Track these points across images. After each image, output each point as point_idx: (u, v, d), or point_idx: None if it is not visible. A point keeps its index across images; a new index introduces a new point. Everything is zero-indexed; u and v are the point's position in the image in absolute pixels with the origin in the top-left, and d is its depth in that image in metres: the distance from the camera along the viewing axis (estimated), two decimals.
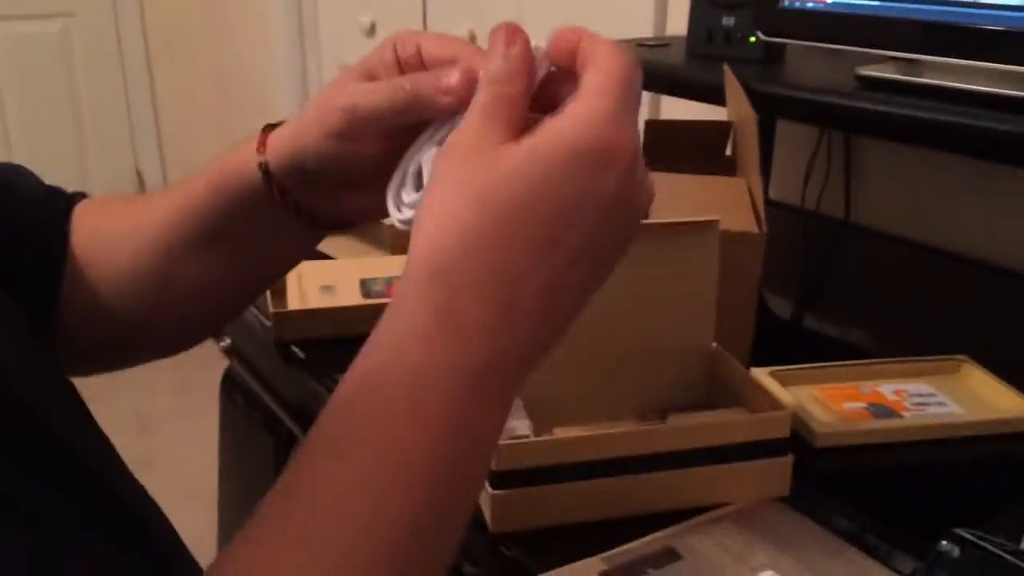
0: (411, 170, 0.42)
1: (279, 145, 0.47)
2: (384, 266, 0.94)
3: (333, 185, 0.47)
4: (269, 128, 0.49)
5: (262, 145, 0.48)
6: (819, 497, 0.61)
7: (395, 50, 0.45)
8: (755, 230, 0.73)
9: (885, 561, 0.54)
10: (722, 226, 0.69)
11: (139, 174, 3.04)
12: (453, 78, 0.41)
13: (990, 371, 0.73)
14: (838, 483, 0.63)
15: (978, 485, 0.64)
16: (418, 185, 0.42)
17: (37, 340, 0.47)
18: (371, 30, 2.25)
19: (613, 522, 0.57)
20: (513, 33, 0.38)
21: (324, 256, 1.04)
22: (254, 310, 0.94)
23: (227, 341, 0.93)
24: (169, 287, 0.52)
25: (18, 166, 0.57)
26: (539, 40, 0.40)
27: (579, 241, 0.34)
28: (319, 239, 0.53)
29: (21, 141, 2.80)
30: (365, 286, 0.90)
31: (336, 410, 0.35)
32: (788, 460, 0.59)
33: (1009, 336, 0.84)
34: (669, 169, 0.85)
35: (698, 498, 0.58)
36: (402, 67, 0.45)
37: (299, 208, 0.48)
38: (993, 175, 0.96)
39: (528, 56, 0.37)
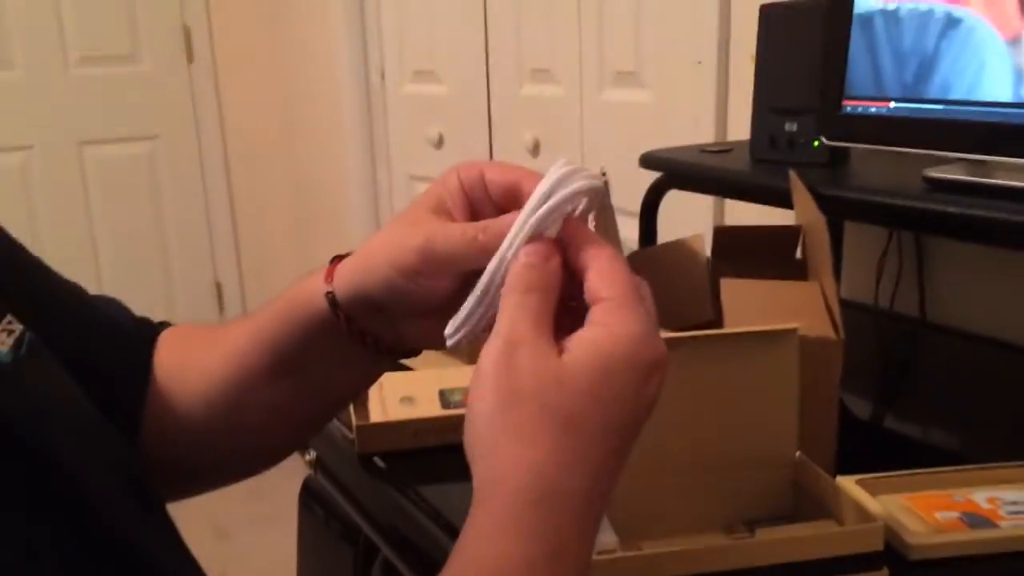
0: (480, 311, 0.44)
1: (347, 276, 0.49)
2: (462, 376, 0.96)
3: (401, 315, 0.49)
4: (338, 259, 0.51)
5: (329, 276, 0.50)
6: None
7: (459, 178, 0.47)
8: (833, 335, 0.73)
9: None
10: (800, 332, 0.69)
11: (218, 286, 3.16)
12: (542, 253, 0.42)
13: None
14: None
15: None
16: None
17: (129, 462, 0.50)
18: (439, 142, 2.34)
19: None
20: (551, 250, 0.41)
21: (403, 367, 1.07)
22: (336, 422, 0.96)
23: (312, 454, 0.95)
24: (239, 416, 0.54)
25: (112, 298, 0.61)
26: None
27: (628, 442, 0.38)
28: (386, 366, 0.54)
29: (110, 256, 2.94)
30: (444, 396, 0.92)
31: None
32: (883, 574, 0.58)
33: None
34: (739, 274, 0.86)
35: None
36: (467, 194, 0.47)
37: (365, 336, 0.50)
38: None
39: (559, 270, 0.41)
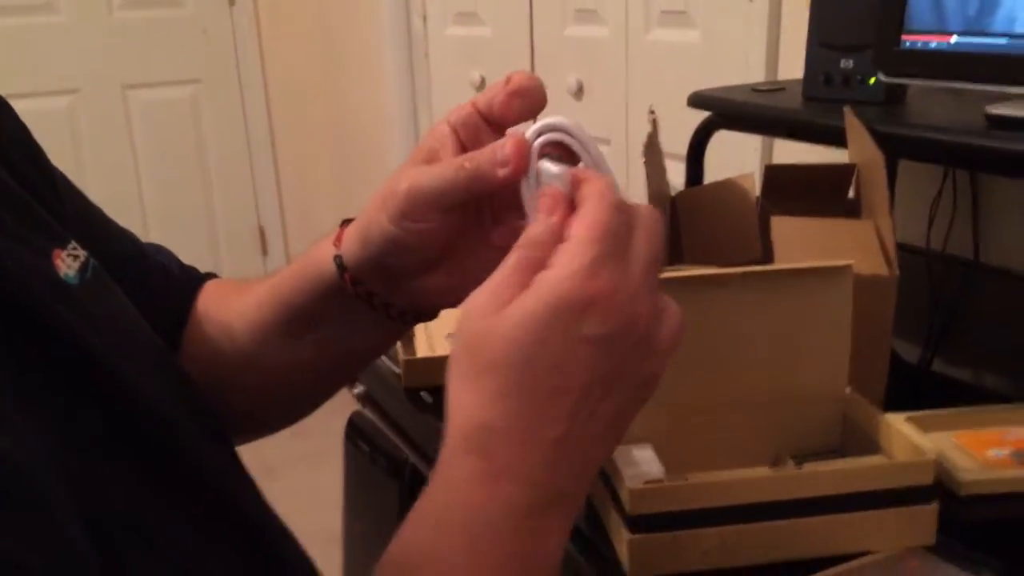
0: None
1: (352, 237, 0.50)
2: None
3: (403, 273, 0.49)
4: (347, 223, 0.51)
5: (338, 239, 0.51)
6: (966, 547, 0.59)
7: (448, 123, 0.47)
8: (886, 273, 0.72)
9: None
10: (853, 269, 0.68)
11: (261, 230, 3.19)
12: (507, 148, 0.43)
13: None
14: (985, 532, 0.61)
15: None
16: None
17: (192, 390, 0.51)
18: (481, 85, 2.32)
19: (752, 569, 0.57)
20: (555, 203, 0.41)
21: None
22: (384, 358, 0.97)
23: (360, 388, 0.96)
24: (257, 368, 0.56)
25: (162, 246, 0.64)
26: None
27: (582, 382, 0.37)
28: (399, 331, 0.55)
29: (154, 200, 2.98)
30: None
31: (402, 544, 0.39)
32: (933, 508, 0.58)
33: None
34: (790, 213, 0.85)
35: (840, 546, 0.57)
36: (459, 136, 0.47)
37: (373, 300, 0.51)
38: None
39: (561, 227, 0.40)
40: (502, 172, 0.43)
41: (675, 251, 0.95)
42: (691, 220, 0.97)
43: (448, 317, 0.98)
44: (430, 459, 0.89)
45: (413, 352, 0.92)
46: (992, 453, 0.66)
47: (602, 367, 0.38)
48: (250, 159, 3.09)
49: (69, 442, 0.35)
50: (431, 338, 0.94)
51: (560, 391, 0.37)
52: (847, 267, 0.65)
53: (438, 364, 0.90)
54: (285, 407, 0.60)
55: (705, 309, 0.63)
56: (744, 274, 0.65)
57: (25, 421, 0.33)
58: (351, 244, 0.50)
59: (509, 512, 0.38)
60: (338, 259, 0.50)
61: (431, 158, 0.47)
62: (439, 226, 0.46)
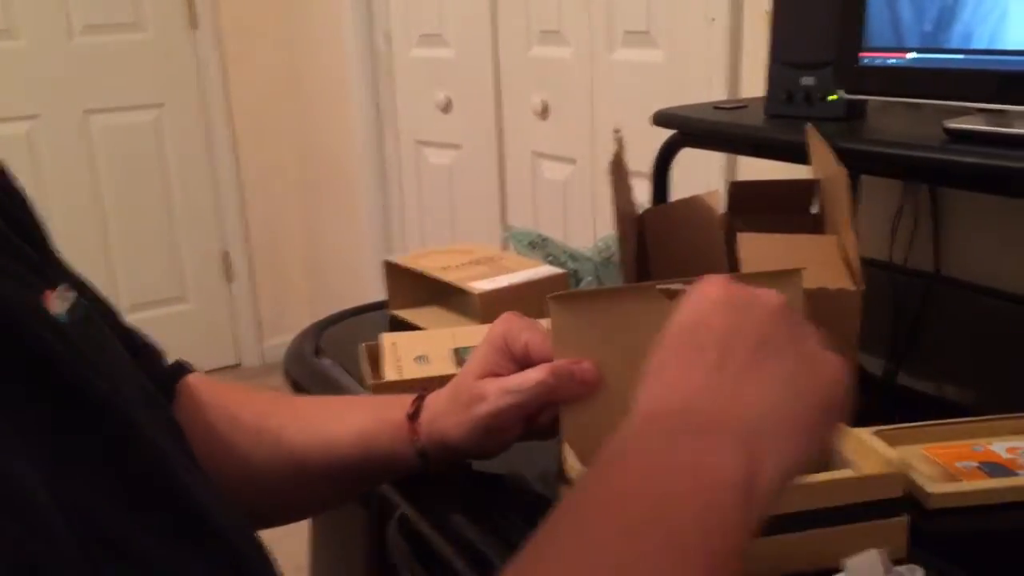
0: None
1: (430, 435, 0.62)
2: (475, 335, 0.95)
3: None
4: (416, 405, 0.64)
5: (415, 433, 0.63)
6: (936, 560, 0.59)
7: (507, 344, 0.62)
8: (852, 287, 0.73)
9: None
10: (818, 284, 0.69)
11: (225, 255, 3.15)
12: (589, 372, 0.59)
13: None
14: (955, 545, 0.61)
15: None
16: None
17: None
18: (447, 106, 2.32)
19: None
20: None
21: (415, 327, 1.07)
22: (352, 382, 0.96)
23: None
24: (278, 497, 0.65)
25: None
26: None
27: (744, 358, 0.42)
28: None
29: (117, 225, 2.94)
30: (458, 355, 0.92)
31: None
32: (903, 521, 0.58)
33: None
34: (755, 229, 0.85)
35: (811, 562, 0.57)
36: (515, 359, 0.62)
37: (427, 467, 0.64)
38: None
39: None
40: (583, 389, 0.59)
41: (642, 269, 0.95)
42: (658, 238, 0.97)
43: (414, 340, 0.97)
44: (399, 483, 0.88)
45: (381, 376, 0.90)
46: (960, 465, 0.66)
47: (763, 352, 0.42)
48: (214, 183, 3.06)
49: (58, 466, 0.35)
50: (399, 360, 0.93)
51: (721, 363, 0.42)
52: (797, 272, 0.65)
53: (406, 388, 0.88)
54: (286, 515, 0.67)
55: (663, 323, 0.63)
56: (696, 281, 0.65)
57: (16, 443, 0.33)
58: (430, 441, 0.63)
59: (669, 431, 0.40)
60: (423, 452, 0.63)
61: (493, 371, 0.62)
62: (519, 431, 0.62)
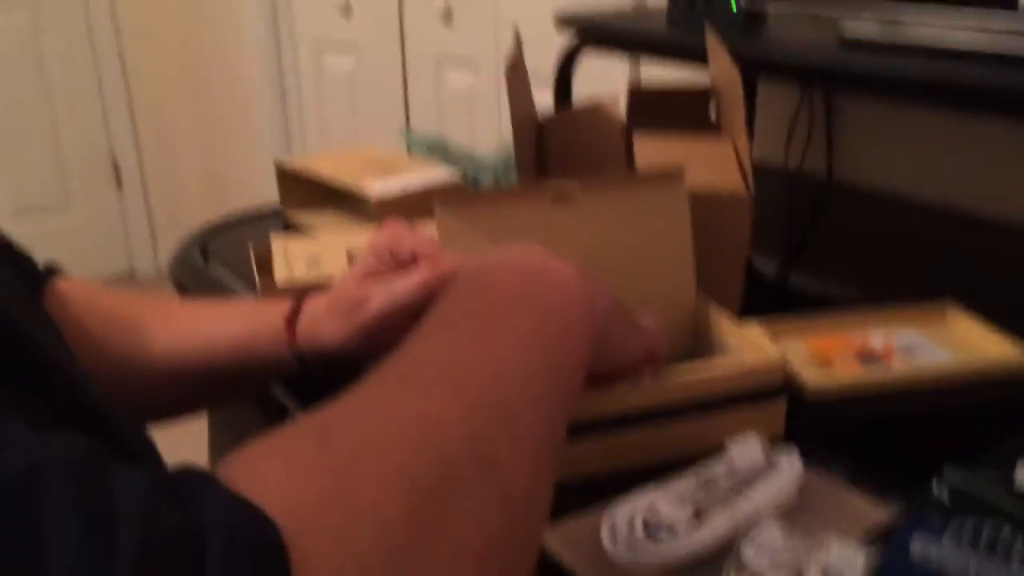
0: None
1: (309, 339, 0.62)
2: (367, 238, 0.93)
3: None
4: (294, 308, 0.63)
5: (293, 336, 0.62)
6: (813, 448, 0.61)
7: (391, 251, 0.61)
8: (743, 191, 0.73)
9: (880, 503, 0.55)
10: (710, 188, 0.69)
11: (115, 163, 3.00)
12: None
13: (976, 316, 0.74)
14: (831, 434, 0.64)
15: (967, 429, 0.65)
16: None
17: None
18: (346, 8, 2.23)
19: (613, 476, 0.58)
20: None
21: (310, 231, 1.04)
22: (241, 285, 0.93)
23: None
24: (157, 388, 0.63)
25: None
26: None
27: None
28: None
29: None
30: (352, 257, 0.90)
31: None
32: (782, 404, 0.60)
33: (994, 284, 0.85)
34: (655, 134, 0.85)
35: (696, 447, 0.58)
36: (400, 265, 0.61)
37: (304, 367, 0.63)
38: (972, 127, 0.97)
39: None
40: None
41: (543, 176, 0.94)
42: (558, 144, 0.96)
43: (308, 242, 0.95)
44: (291, 388, 0.87)
45: (271, 280, 0.88)
46: (838, 358, 0.69)
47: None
48: (99, 86, 2.89)
49: None
50: (290, 264, 0.90)
51: None
52: (679, 174, 0.65)
53: (297, 291, 0.86)
54: (150, 414, 0.64)
55: (549, 224, 0.64)
56: (584, 186, 0.65)
57: None
58: (310, 346, 0.62)
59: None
60: (300, 356, 0.62)
61: (372, 274, 0.62)
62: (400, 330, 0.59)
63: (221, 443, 1.20)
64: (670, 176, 0.65)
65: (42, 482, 0.25)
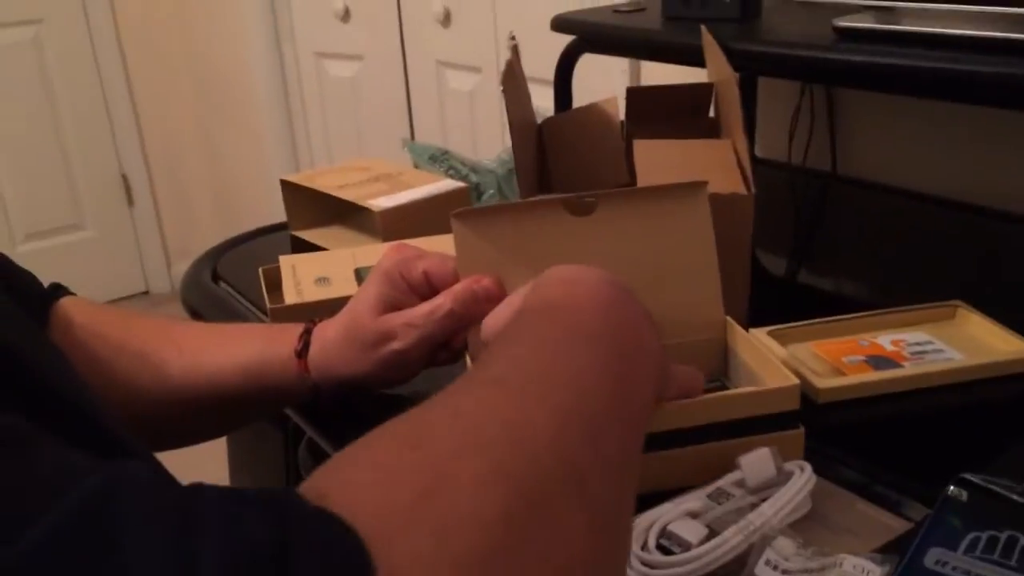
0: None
1: (323, 371, 0.62)
2: (376, 254, 0.93)
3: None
4: (303, 340, 0.63)
5: (305, 368, 0.62)
6: (826, 452, 0.61)
7: (403, 276, 0.61)
8: (743, 191, 0.73)
9: (895, 510, 0.55)
10: (711, 189, 0.69)
11: (124, 178, 3.02)
12: (491, 287, 0.59)
13: (985, 314, 0.73)
14: (843, 437, 0.64)
15: (981, 429, 0.65)
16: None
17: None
18: (345, 15, 2.23)
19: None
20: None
21: (316, 247, 1.04)
22: (251, 306, 0.94)
23: None
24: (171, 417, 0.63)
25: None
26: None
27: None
28: None
29: (5, 154, 2.78)
30: (359, 275, 0.90)
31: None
32: (800, 432, 0.59)
33: (1003, 279, 0.85)
34: (653, 135, 0.85)
35: (711, 473, 0.57)
36: (413, 289, 0.61)
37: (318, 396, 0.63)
38: (974, 117, 0.96)
39: None
40: (489, 305, 0.56)
41: (542, 179, 0.94)
42: (558, 147, 0.96)
43: (314, 261, 0.95)
44: (307, 410, 0.87)
45: (280, 299, 0.88)
46: (847, 360, 0.68)
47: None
48: (105, 102, 2.90)
49: None
50: (299, 283, 0.91)
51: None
52: (702, 184, 0.64)
53: (306, 310, 0.87)
54: (159, 442, 0.63)
55: (568, 237, 0.63)
56: (604, 196, 0.63)
57: None
58: (324, 376, 0.62)
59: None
60: (314, 386, 0.62)
61: (392, 303, 0.61)
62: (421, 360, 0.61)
63: (240, 459, 1.21)
64: (691, 187, 0.64)
65: (121, 499, 0.24)
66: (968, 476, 0.47)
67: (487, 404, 0.34)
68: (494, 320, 0.53)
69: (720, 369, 0.67)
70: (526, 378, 0.36)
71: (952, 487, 0.48)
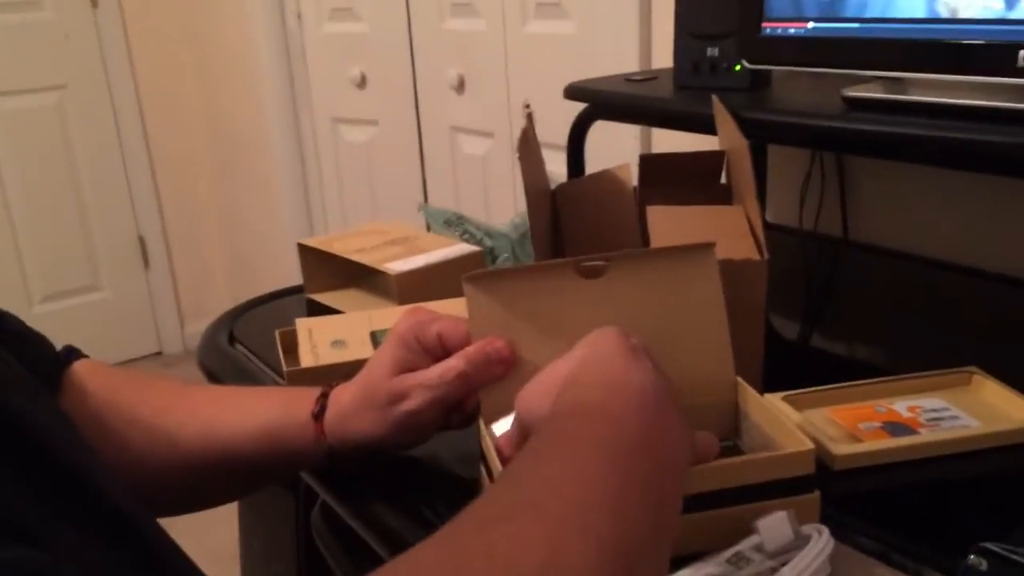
0: None
1: (338, 435, 0.62)
2: (392, 317, 0.94)
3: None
4: (320, 403, 0.63)
5: (321, 432, 0.62)
6: (842, 519, 0.61)
7: (417, 339, 0.61)
8: (757, 257, 0.74)
9: None
10: (724, 255, 0.69)
11: (141, 240, 3.06)
12: (503, 350, 0.59)
13: (1000, 380, 0.73)
14: (860, 504, 0.64)
15: (999, 496, 0.64)
16: None
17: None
18: (362, 82, 2.28)
19: None
20: None
21: (333, 310, 1.05)
22: (268, 370, 0.94)
23: None
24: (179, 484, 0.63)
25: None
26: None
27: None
28: None
29: (23, 213, 2.83)
30: (375, 338, 0.91)
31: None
32: (815, 496, 0.59)
33: (1017, 345, 0.85)
34: (666, 201, 0.86)
35: (726, 537, 0.57)
36: (428, 352, 0.62)
37: (332, 460, 0.63)
38: (984, 184, 0.98)
39: None
40: (501, 369, 0.59)
41: (556, 245, 0.95)
42: (571, 213, 0.97)
43: (330, 324, 0.96)
44: (320, 472, 0.87)
45: (297, 362, 0.89)
46: (864, 426, 0.68)
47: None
48: (124, 166, 2.96)
49: None
50: (315, 347, 0.91)
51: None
52: (710, 246, 0.65)
53: (322, 373, 0.87)
54: (171, 508, 0.64)
55: (579, 300, 0.63)
56: (613, 258, 0.64)
57: None
58: (340, 440, 0.62)
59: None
60: (330, 450, 0.62)
61: (406, 366, 0.62)
62: (436, 421, 0.62)
63: (250, 523, 1.20)
64: (700, 248, 0.65)
65: None
66: (989, 545, 0.47)
67: (522, 543, 0.33)
68: (529, 395, 0.52)
69: (731, 430, 0.67)
70: (563, 506, 0.35)
71: (972, 556, 0.48)
